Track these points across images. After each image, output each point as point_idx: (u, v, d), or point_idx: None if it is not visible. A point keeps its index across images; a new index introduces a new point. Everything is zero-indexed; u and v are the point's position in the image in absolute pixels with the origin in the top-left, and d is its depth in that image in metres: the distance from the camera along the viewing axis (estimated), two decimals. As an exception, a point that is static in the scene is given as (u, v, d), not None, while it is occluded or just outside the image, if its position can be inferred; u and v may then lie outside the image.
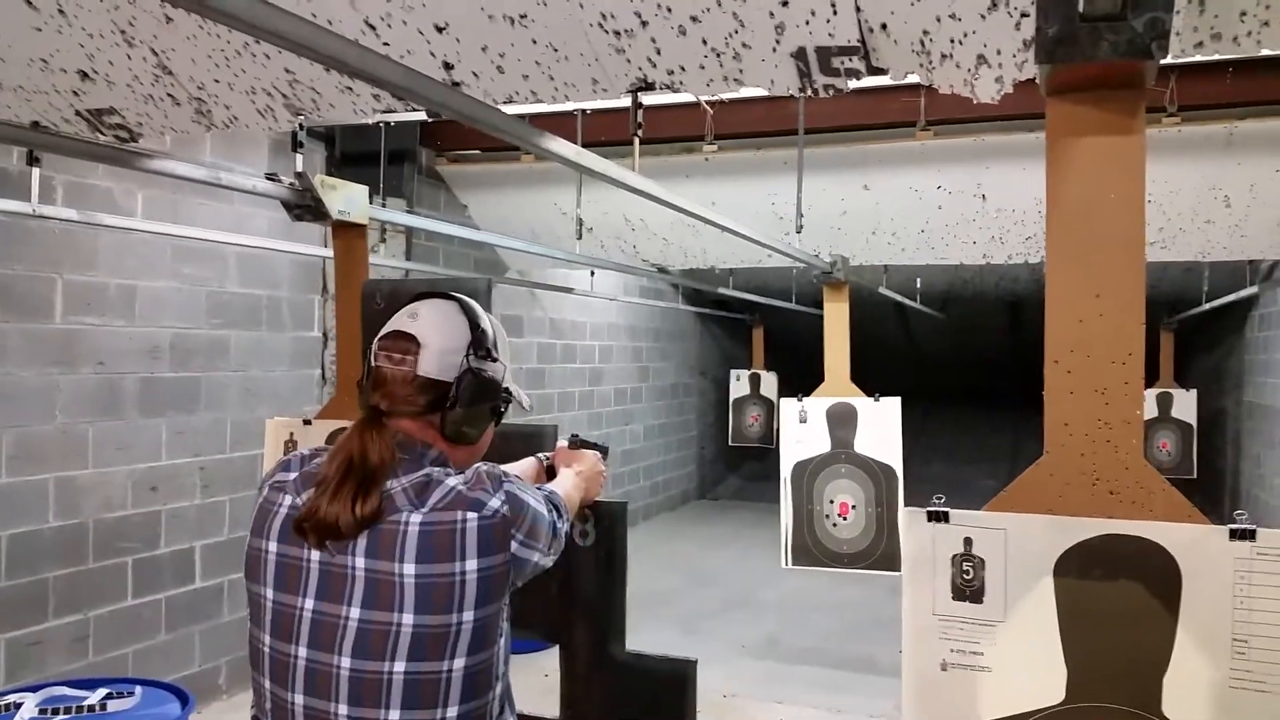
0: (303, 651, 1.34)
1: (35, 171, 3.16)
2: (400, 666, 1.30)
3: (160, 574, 4.59)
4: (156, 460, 4.56)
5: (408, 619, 1.31)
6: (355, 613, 1.32)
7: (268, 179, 2.95)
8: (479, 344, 1.47)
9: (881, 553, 4.89)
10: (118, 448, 4.36)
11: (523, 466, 1.89)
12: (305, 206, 2.98)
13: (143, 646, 4.50)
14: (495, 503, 1.38)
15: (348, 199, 3.10)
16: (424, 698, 1.32)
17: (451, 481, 1.39)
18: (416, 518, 1.35)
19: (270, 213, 5.09)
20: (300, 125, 2.63)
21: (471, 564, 1.33)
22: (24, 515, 3.97)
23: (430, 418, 1.44)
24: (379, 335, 1.47)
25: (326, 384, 5.60)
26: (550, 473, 1.91)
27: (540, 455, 1.96)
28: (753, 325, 10.52)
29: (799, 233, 4.29)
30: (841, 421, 4.93)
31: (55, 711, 2.56)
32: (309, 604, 1.34)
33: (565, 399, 8.40)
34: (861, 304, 6.06)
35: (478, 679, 1.36)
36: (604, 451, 1.92)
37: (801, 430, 4.97)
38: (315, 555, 1.37)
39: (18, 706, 2.54)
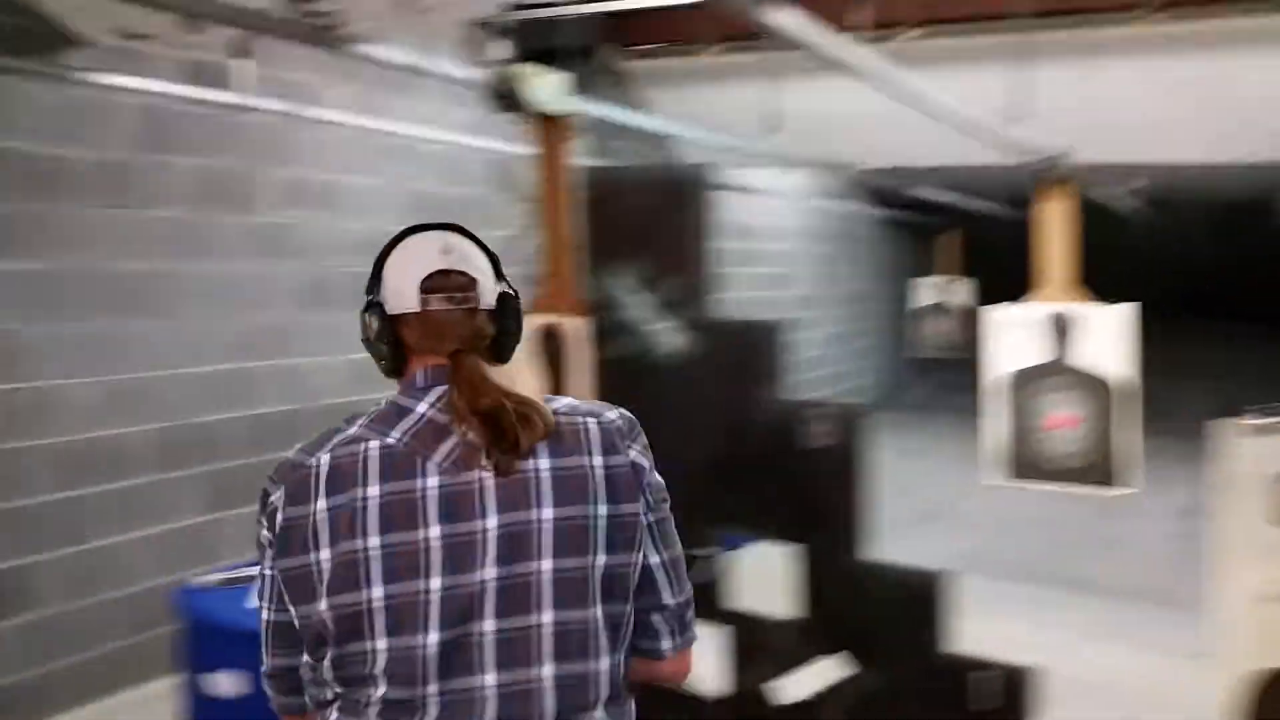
0: (491, 573, 1.25)
1: (244, 64, 3.18)
2: (548, 565, 1.26)
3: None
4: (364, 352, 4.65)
5: (548, 513, 1.27)
6: (493, 521, 1.26)
7: (473, 65, 2.86)
8: (498, 266, 1.42)
9: (1099, 470, 4.56)
10: (329, 338, 4.48)
11: None
12: (508, 97, 2.87)
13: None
14: (612, 414, 1.38)
15: (550, 89, 2.97)
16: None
17: (558, 399, 1.38)
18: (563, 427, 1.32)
19: (463, 111, 5.06)
20: (502, 11, 2.50)
21: (599, 459, 1.31)
22: (244, 401, 4.14)
23: (489, 347, 1.37)
24: (420, 278, 1.36)
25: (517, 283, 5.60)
26: None
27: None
28: (942, 230, 10.00)
29: (1018, 125, 3.92)
30: (1062, 328, 4.58)
31: None
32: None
33: (749, 305, 8.23)
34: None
35: (622, 581, 1.32)
36: None
37: (1015, 337, 4.65)
38: (483, 476, 1.28)
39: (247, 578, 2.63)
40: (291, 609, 1.27)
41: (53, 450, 3.42)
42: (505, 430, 1.27)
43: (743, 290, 8.10)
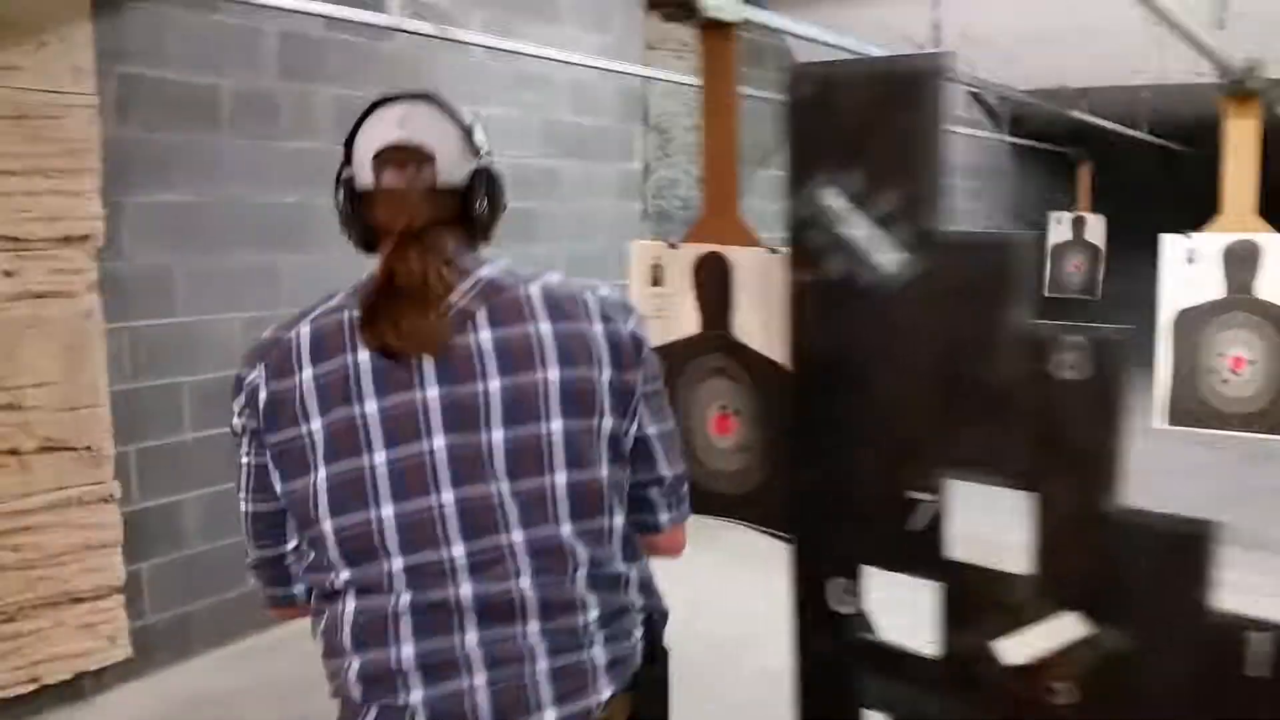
0: (440, 442, 1.21)
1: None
2: (558, 425, 1.22)
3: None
4: (496, 291, 4.57)
5: (554, 374, 1.23)
6: (495, 383, 1.22)
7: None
8: (472, 137, 1.36)
9: (1275, 416, 4.22)
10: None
11: None
12: (675, 4, 2.67)
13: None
14: (605, 290, 1.35)
15: (717, -4, 2.77)
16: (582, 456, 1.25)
17: (548, 275, 1.33)
18: (534, 288, 1.28)
19: (597, 37, 4.88)
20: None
21: (598, 327, 1.28)
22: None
23: (458, 228, 1.32)
24: (374, 152, 1.30)
25: (647, 217, 5.45)
26: None
27: None
28: (1078, 162, 9.45)
29: (1216, 33, 3.56)
30: (1242, 262, 4.21)
31: None
32: (433, 392, 1.21)
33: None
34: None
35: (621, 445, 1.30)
36: None
37: (1188, 272, 4.30)
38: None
39: None
40: (279, 488, 1.25)
41: (198, 387, 3.40)
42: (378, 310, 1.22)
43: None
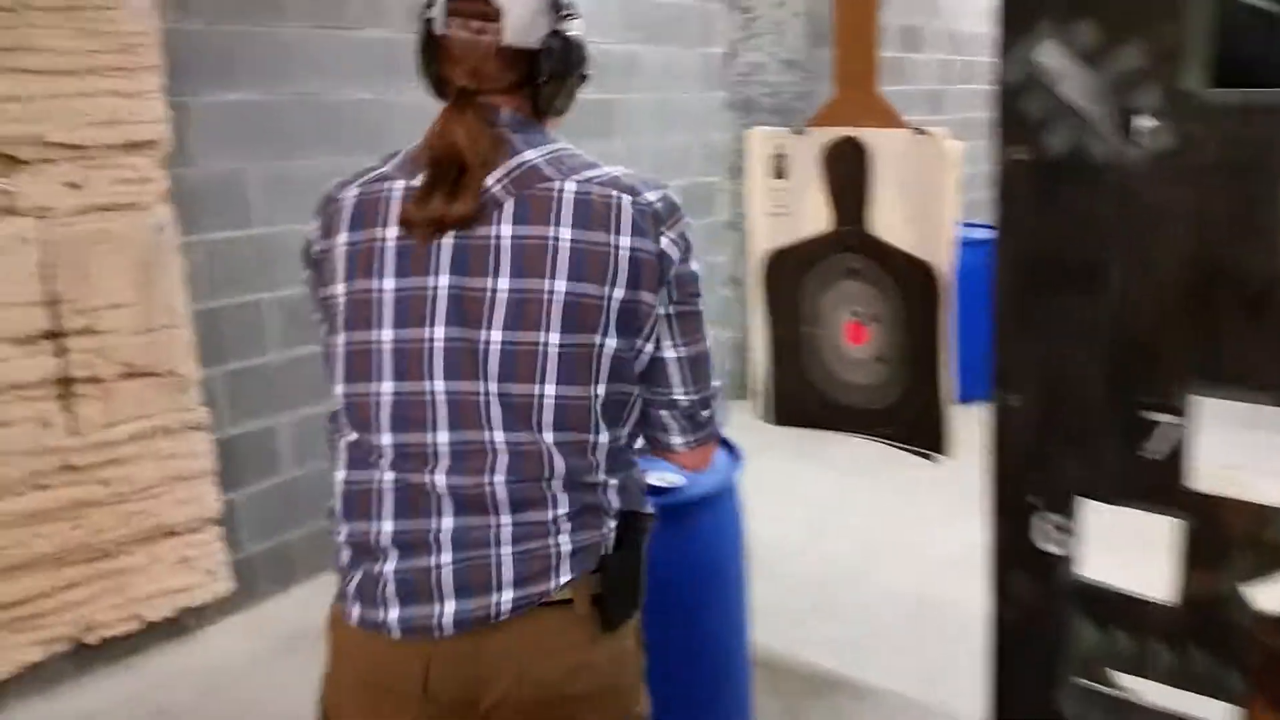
0: (439, 332, 1.21)
1: None
2: (555, 339, 1.21)
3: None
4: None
5: (560, 286, 1.20)
6: (504, 283, 1.20)
7: None
8: (558, 3, 1.28)
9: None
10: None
11: None
12: None
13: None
14: (655, 195, 1.26)
15: None
16: (578, 373, 1.22)
17: (607, 166, 1.27)
18: (570, 185, 1.22)
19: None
20: None
21: (624, 240, 1.22)
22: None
23: (521, 91, 1.27)
24: (452, 3, 1.25)
25: (732, 108, 5.07)
26: None
27: None
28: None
29: None
30: None
31: None
32: (443, 281, 1.21)
33: (966, 125, 7.42)
34: None
35: (625, 371, 1.26)
36: None
37: None
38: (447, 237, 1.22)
39: None
40: (322, 339, 1.30)
41: (280, 304, 3.17)
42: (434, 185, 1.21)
43: (957, 112, 7.31)
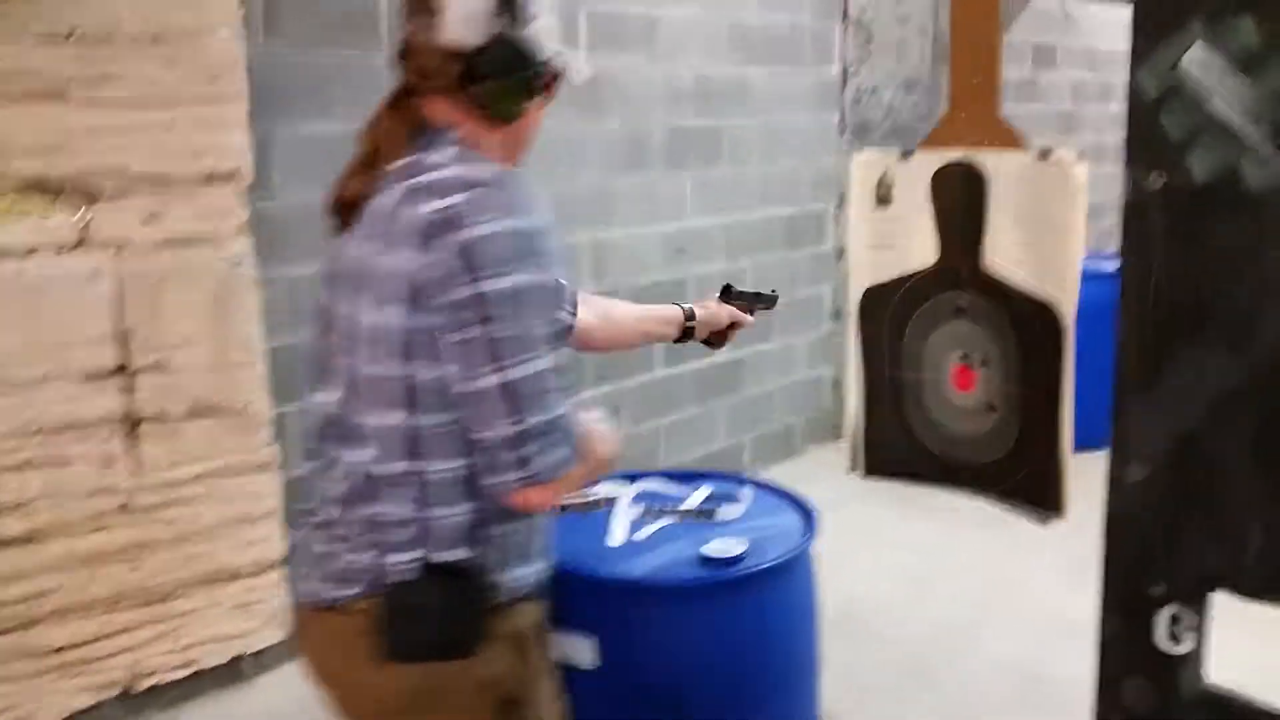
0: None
1: None
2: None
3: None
4: (681, 219, 4.10)
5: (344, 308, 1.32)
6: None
7: None
8: (509, 4, 1.28)
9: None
10: (644, 206, 3.94)
11: (655, 313, 1.88)
12: None
13: (669, 421, 4.21)
14: (456, 199, 1.22)
15: None
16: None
17: (448, 171, 1.25)
18: (395, 195, 1.26)
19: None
20: None
21: (404, 255, 1.22)
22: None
23: (463, 93, 1.29)
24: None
25: (846, 131, 4.82)
26: (688, 331, 1.92)
27: (683, 305, 1.93)
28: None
29: None
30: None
31: (656, 513, 2.12)
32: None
33: (1100, 150, 6.97)
34: None
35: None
36: (771, 302, 1.78)
37: None
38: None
39: (608, 501, 2.13)
40: None
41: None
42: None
43: (1095, 133, 6.86)
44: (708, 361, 4.23)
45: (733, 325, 2.01)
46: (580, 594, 1.78)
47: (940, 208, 2.28)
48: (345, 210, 1.32)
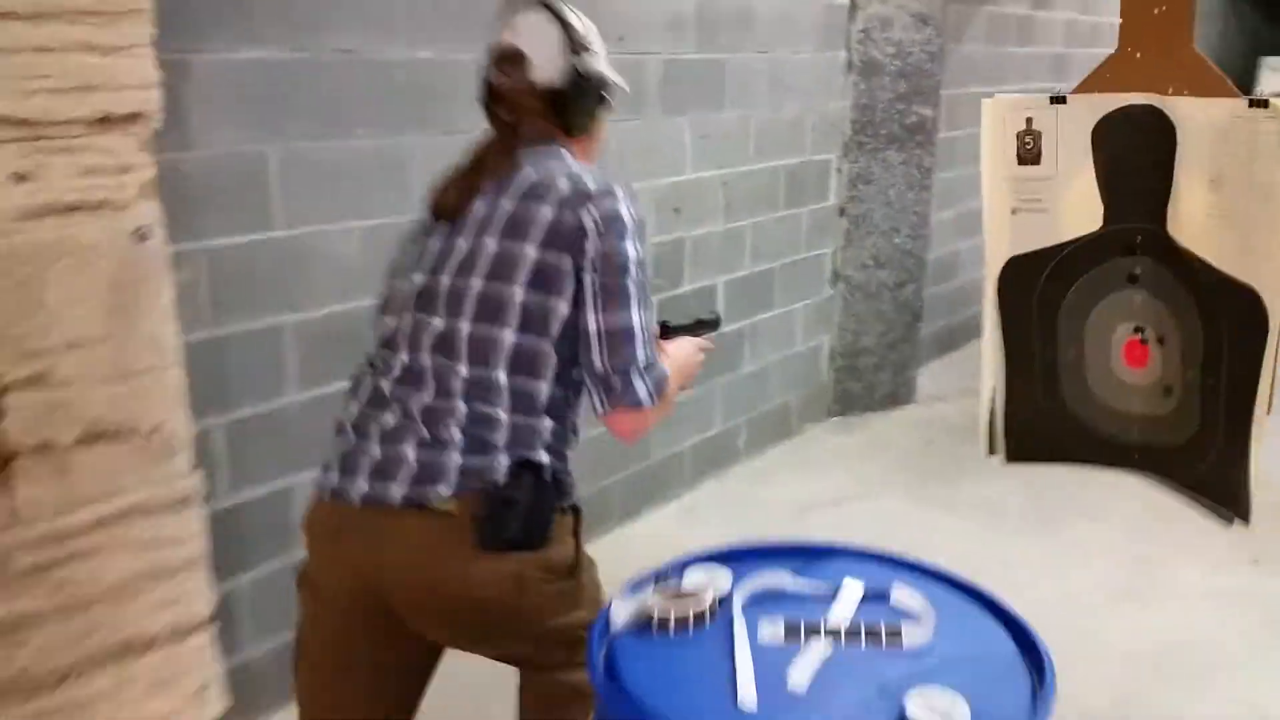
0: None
1: None
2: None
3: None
4: (680, 174, 3.52)
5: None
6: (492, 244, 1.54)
7: None
8: (573, 41, 1.61)
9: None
10: (643, 156, 3.35)
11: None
12: None
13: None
14: (590, 184, 1.54)
15: None
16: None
17: (574, 166, 1.60)
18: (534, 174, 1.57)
19: None
20: None
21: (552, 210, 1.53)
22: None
23: (553, 117, 1.63)
24: (493, 54, 1.65)
25: (852, 71, 4.27)
26: None
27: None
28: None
29: None
30: None
31: (804, 632, 1.34)
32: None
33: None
34: None
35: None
36: (713, 325, 1.88)
37: None
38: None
39: (716, 610, 1.42)
40: None
41: (305, 328, 2.46)
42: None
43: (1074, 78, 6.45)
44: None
45: None
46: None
47: (1108, 163, 1.83)
48: (450, 214, 1.60)
